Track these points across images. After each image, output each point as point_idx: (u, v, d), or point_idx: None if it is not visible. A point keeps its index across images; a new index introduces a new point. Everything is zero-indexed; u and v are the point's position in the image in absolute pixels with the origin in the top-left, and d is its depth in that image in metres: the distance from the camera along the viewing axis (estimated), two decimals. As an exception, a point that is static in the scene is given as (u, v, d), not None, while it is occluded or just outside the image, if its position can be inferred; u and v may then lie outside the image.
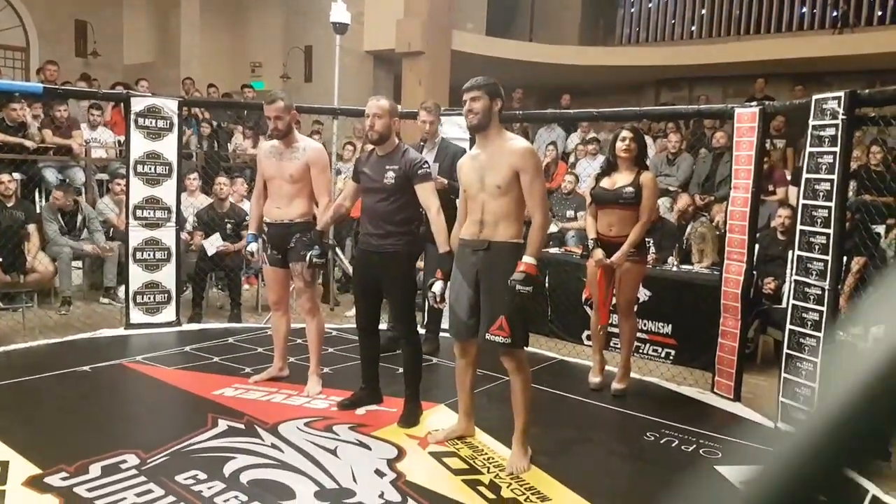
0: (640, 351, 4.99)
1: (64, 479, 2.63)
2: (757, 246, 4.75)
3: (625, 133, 3.88)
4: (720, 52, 11.36)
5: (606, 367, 4.25)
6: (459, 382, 3.25)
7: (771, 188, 6.28)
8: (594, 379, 4.17)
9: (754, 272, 4.27)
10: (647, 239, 4.80)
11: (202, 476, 2.70)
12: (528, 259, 2.81)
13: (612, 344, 4.82)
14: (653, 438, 3.40)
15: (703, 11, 12.64)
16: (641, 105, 11.15)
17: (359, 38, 10.94)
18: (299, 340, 4.16)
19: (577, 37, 13.49)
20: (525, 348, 3.01)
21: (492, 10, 12.81)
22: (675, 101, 12.33)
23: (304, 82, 11.45)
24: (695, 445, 3.31)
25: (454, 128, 5.17)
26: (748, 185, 3.90)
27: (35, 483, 2.59)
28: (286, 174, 3.71)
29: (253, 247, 3.85)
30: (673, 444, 3.33)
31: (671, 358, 4.93)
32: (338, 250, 6.09)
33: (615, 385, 4.06)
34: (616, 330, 4.52)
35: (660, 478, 3.00)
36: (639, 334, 4.78)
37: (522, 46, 12.40)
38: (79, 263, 6.28)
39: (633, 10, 13.74)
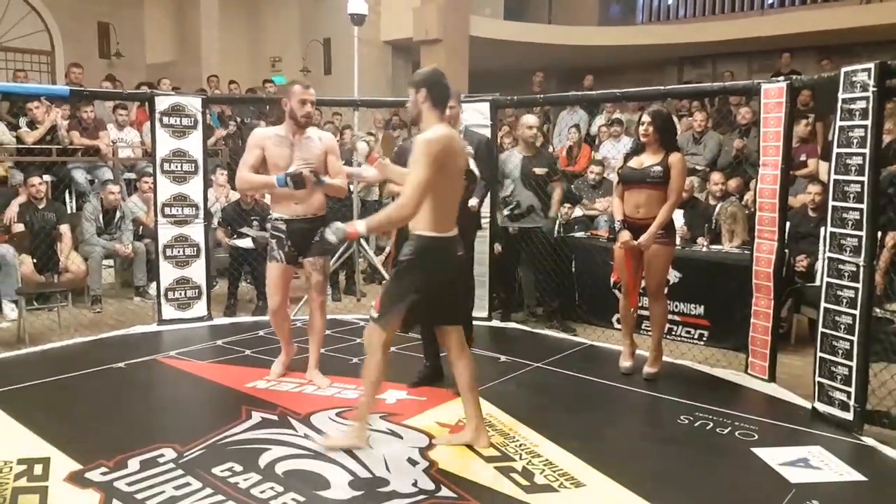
0: (673, 333, 4.95)
1: (104, 473, 2.68)
2: (788, 223, 4.68)
3: (644, 117, 3.83)
4: (743, 28, 11.14)
5: (637, 351, 4.21)
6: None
7: (803, 158, 6.15)
8: (625, 363, 4.13)
9: (786, 250, 4.19)
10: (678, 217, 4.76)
11: (238, 468, 2.74)
12: (359, 224, 2.74)
13: (643, 327, 4.78)
14: (687, 422, 3.36)
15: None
16: (665, 83, 10.96)
17: (376, 28, 10.93)
18: (328, 331, 4.18)
19: (597, 17, 13.33)
20: (384, 330, 2.87)
21: (509, -4, 12.71)
22: (698, 78, 12.13)
23: (323, 75, 11.47)
24: (730, 428, 3.27)
25: (475, 115, 5.14)
26: (777, 161, 3.82)
27: (76, 478, 2.65)
28: (305, 163, 3.60)
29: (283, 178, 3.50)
30: (707, 427, 3.29)
31: (704, 339, 4.88)
32: (363, 242, 6.11)
33: (647, 369, 4.02)
34: (646, 313, 4.48)
35: (695, 461, 2.97)
36: (670, 316, 4.74)
37: (541, 29, 12.29)
38: (111, 262, 6.39)
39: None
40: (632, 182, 3.89)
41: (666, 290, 4.27)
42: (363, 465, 2.79)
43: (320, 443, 3.01)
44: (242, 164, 3.69)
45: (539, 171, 5.14)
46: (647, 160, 3.84)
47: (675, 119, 7.26)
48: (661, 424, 3.44)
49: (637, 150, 3.93)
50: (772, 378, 3.98)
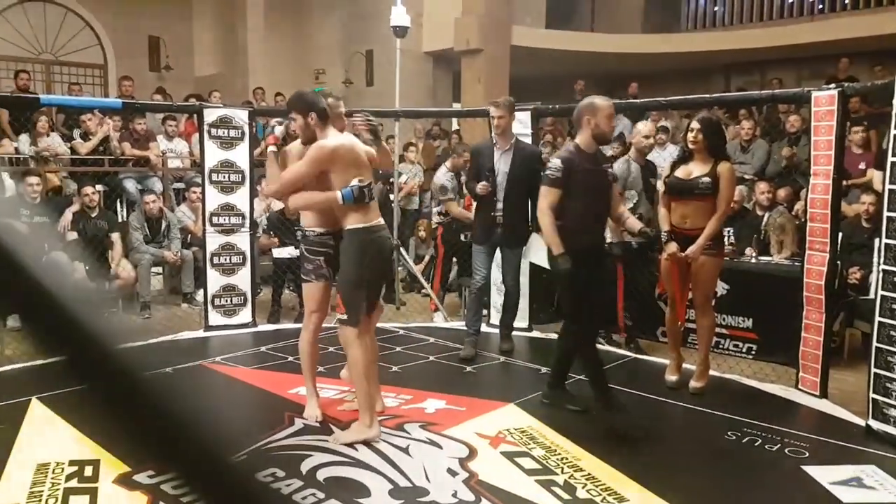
0: (720, 346, 4.82)
1: (151, 476, 2.74)
2: (840, 234, 4.54)
3: (693, 124, 3.75)
4: (792, 34, 10.88)
5: (684, 365, 4.13)
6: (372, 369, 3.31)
7: (863, 167, 5.96)
8: (671, 377, 4.05)
9: (838, 262, 4.07)
10: (727, 229, 4.64)
11: (280, 474, 2.77)
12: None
13: (689, 340, 4.68)
14: (734, 438, 3.28)
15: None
16: (710, 91, 10.78)
17: (417, 40, 11.01)
18: (331, 348, 4.19)
19: (641, 24, 13.19)
20: (355, 326, 3.09)
21: (551, 3, 12.66)
22: (746, 86, 11.88)
23: (365, 86, 11.60)
24: (779, 444, 3.18)
25: (515, 124, 5.11)
26: (829, 171, 3.71)
27: (124, 481, 2.71)
28: (362, 163, 3.61)
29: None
30: (756, 444, 3.20)
31: (752, 353, 4.75)
32: (402, 249, 6.14)
33: (693, 383, 3.93)
34: (693, 326, 4.39)
35: (742, 478, 2.89)
36: (718, 329, 4.62)
37: (583, 37, 12.21)
38: (159, 269, 6.55)
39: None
40: (679, 193, 3.81)
41: (713, 303, 4.18)
42: (403, 475, 2.79)
43: (331, 440, 3.08)
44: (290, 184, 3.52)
45: (654, 181, 4.82)
46: (696, 170, 3.76)
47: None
48: (707, 440, 3.36)
49: (684, 157, 3.84)
50: (823, 394, 3.85)
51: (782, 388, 4.08)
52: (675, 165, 3.87)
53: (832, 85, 3.73)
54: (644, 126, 4.82)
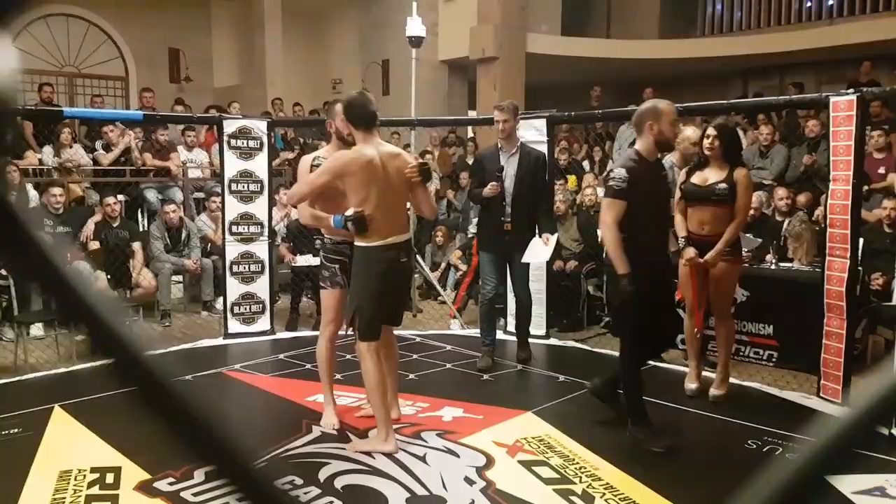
0: (740, 354, 4.78)
1: (171, 483, 2.77)
2: (861, 240, 4.48)
3: (709, 130, 3.74)
4: (811, 37, 10.79)
5: (704, 373, 4.09)
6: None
7: (882, 171, 5.88)
8: (690, 385, 4.01)
9: (860, 268, 4.02)
10: (747, 235, 4.57)
11: (298, 481, 2.78)
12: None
13: (709, 348, 4.64)
14: (755, 446, 3.25)
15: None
16: (728, 96, 10.70)
17: (433, 49, 11.06)
18: (349, 356, 4.18)
19: (657, 29, 13.14)
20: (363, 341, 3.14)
21: (566, 10, 12.67)
22: (764, 90, 11.79)
23: (382, 95, 11.67)
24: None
25: (531, 131, 5.14)
26: (848, 176, 3.68)
27: (145, 488, 2.75)
28: None
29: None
30: (776, 452, 3.17)
31: (773, 361, 4.70)
32: (419, 257, 6.16)
33: (713, 391, 3.90)
34: (713, 333, 4.35)
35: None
36: (738, 336, 4.59)
37: (599, 44, 12.19)
38: (180, 278, 6.62)
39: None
40: (696, 200, 3.79)
41: (733, 310, 4.15)
42: (420, 483, 2.79)
43: (349, 448, 3.11)
44: (313, 192, 3.37)
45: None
46: (712, 176, 3.74)
47: (741, 133, 7.10)
48: (727, 448, 3.34)
49: (700, 164, 3.82)
50: (845, 402, 3.80)
51: (803, 395, 4.03)
52: (690, 172, 3.85)
53: (850, 90, 3.69)
54: (693, 132, 4.46)
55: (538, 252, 4.39)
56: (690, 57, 11.73)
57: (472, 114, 11.29)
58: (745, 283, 4.61)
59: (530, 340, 4.87)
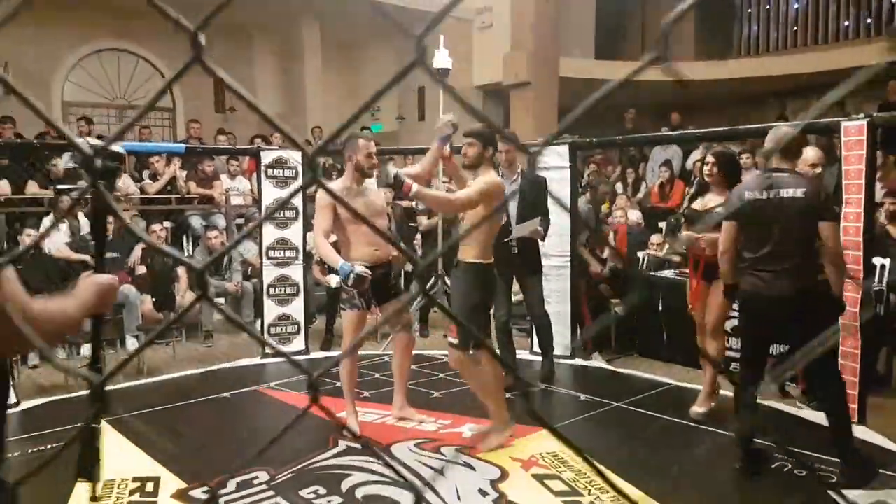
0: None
1: (206, 492, 2.99)
2: (889, 261, 4.51)
3: (708, 158, 3.86)
4: (849, 57, 10.70)
5: (722, 392, 4.14)
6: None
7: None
8: (697, 409, 4.02)
9: (873, 289, 4.05)
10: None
11: (322, 491, 2.98)
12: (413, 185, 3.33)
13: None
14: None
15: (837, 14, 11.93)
16: (765, 117, 10.68)
17: (468, 75, 11.34)
18: (377, 375, 4.38)
19: (693, 51, 13.18)
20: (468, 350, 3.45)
21: (600, 34, 12.83)
22: (801, 111, 11.70)
23: (417, 121, 11.99)
24: (810, 470, 3.19)
25: (554, 157, 5.28)
26: (860, 199, 3.74)
27: (181, 496, 2.97)
28: (378, 211, 3.81)
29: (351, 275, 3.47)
30: (785, 469, 3.23)
31: (795, 381, 4.71)
32: (447, 279, 6.33)
33: (694, 408, 3.97)
34: (733, 354, 4.41)
35: (770, 502, 2.93)
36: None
37: (632, 66, 12.23)
38: (222, 300, 6.94)
39: (752, 20, 13.23)
40: (696, 223, 3.91)
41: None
42: (436, 493, 2.95)
43: (477, 446, 3.45)
44: (318, 230, 3.62)
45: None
46: (712, 201, 3.86)
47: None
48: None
49: (700, 190, 3.95)
50: (861, 420, 3.82)
51: (819, 414, 4.05)
52: (692, 198, 3.98)
53: (861, 115, 3.76)
54: (814, 153, 3.96)
55: (525, 226, 4.43)
56: (727, 78, 11.73)
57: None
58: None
59: (556, 360, 4.96)
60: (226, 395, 4.54)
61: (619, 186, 8.98)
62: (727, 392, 4.23)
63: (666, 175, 7.84)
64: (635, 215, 6.99)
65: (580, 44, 12.52)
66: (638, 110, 10.37)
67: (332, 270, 6.28)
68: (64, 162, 6.95)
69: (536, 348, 5.32)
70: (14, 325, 1.10)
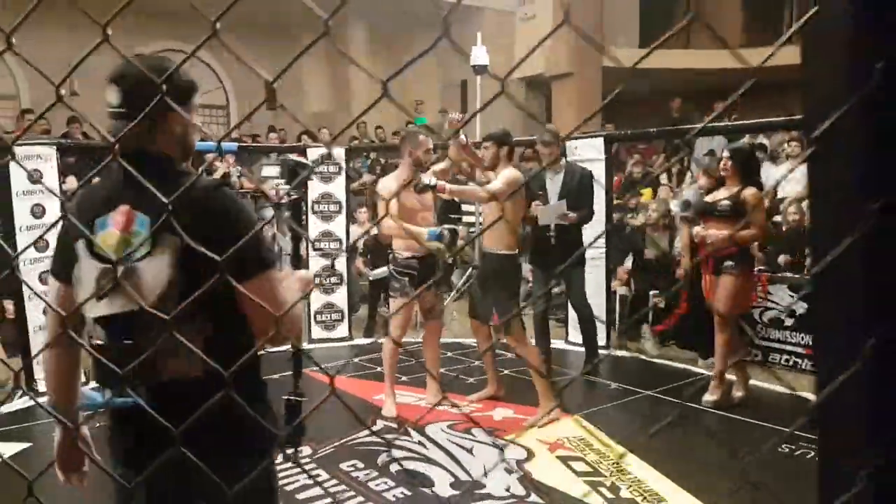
0: (798, 367, 4.86)
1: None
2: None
3: (724, 153, 3.93)
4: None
5: (752, 382, 4.23)
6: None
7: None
8: (708, 397, 4.11)
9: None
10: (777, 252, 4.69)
11: (360, 465, 3.23)
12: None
13: (769, 359, 4.77)
14: (787, 450, 3.41)
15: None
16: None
17: (510, 66, 11.44)
18: (415, 360, 4.68)
19: (740, 38, 12.96)
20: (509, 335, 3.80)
21: (644, 23, 12.75)
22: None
23: (460, 114, 12.16)
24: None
25: (590, 150, 5.39)
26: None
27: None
28: (428, 204, 4.01)
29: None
30: (808, 456, 3.32)
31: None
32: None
33: (706, 396, 4.07)
34: (768, 345, 4.46)
35: (787, 487, 3.03)
36: (794, 349, 4.71)
37: (679, 54, 12.17)
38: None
39: (801, 4, 12.92)
40: (704, 214, 4.02)
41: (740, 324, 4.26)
42: (465, 470, 3.17)
43: (532, 422, 3.74)
44: (390, 215, 3.72)
45: None
46: (721, 194, 3.96)
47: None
48: (759, 451, 3.50)
49: (719, 184, 4.05)
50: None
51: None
52: (709, 191, 4.08)
53: None
54: None
55: (550, 211, 4.48)
56: (775, 65, 11.50)
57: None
58: (804, 295, 4.67)
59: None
60: (275, 376, 4.83)
61: (663, 177, 8.97)
62: (757, 382, 4.33)
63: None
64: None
65: (626, 32, 12.47)
66: (683, 99, 10.30)
67: (376, 264, 6.57)
68: (264, 171, 7.35)
69: (571, 338, 5.46)
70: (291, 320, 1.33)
